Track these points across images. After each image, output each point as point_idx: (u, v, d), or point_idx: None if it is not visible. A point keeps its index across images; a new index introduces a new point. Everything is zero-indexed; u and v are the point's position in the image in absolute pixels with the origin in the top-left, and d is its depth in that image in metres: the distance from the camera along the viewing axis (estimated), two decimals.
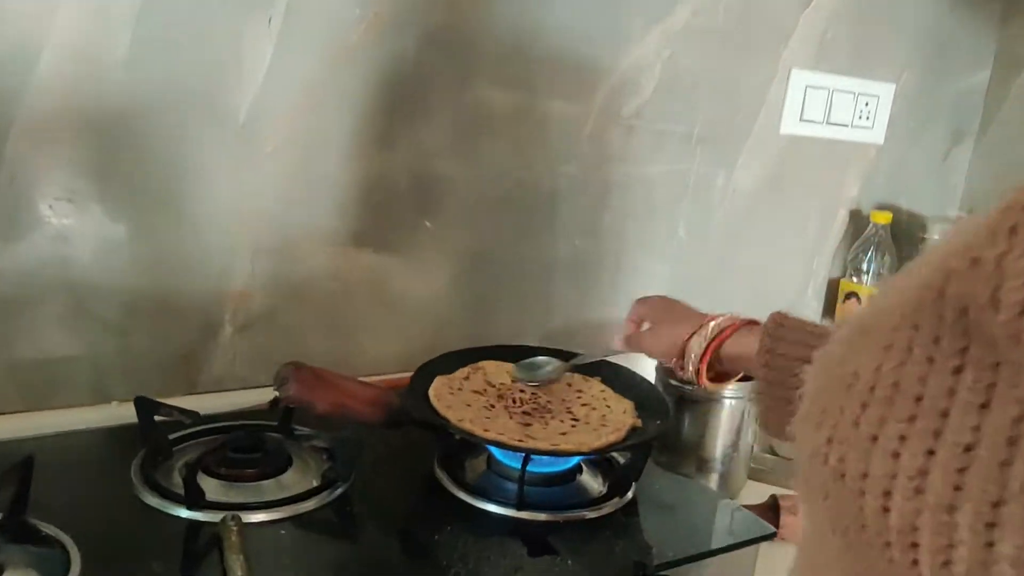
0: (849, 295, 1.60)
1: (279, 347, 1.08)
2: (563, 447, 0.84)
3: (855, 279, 1.61)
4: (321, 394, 0.73)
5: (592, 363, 1.01)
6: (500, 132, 1.21)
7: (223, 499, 0.80)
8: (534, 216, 1.28)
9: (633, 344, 0.92)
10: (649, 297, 0.95)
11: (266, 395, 0.97)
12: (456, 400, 0.92)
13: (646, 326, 0.92)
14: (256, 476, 0.84)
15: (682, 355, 0.84)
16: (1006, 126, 1.74)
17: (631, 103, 1.30)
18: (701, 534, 0.84)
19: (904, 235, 1.61)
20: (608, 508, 0.86)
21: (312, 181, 1.09)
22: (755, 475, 1.16)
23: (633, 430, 0.91)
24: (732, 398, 1.08)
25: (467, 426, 0.85)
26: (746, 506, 1.02)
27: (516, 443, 0.83)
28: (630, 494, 0.90)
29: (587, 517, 0.85)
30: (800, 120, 1.50)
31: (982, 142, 1.77)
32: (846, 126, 1.56)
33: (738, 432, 1.10)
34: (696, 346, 0.83)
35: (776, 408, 0.74)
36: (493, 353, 1.05)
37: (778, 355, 0.74)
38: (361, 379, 0.77)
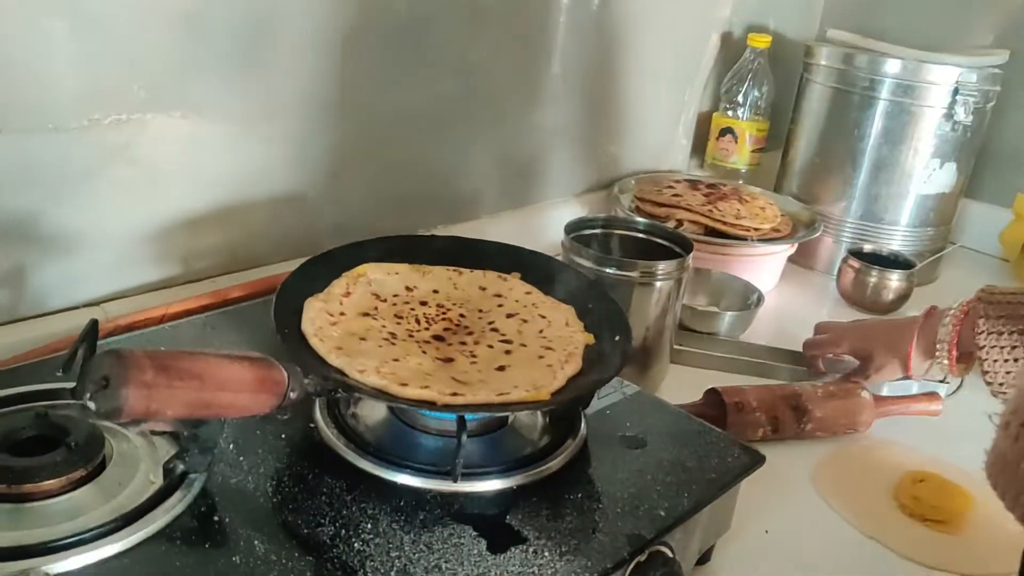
0: (724, 131, 1.44)
1: None
2: (514, 397, 0.61)
3: (730, 112, 1.44)
4: (171, 395, 0.45)
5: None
6: None
7: (3, 544, 0.51)
8: (391, 53, 0.97)
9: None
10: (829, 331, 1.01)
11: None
12: (344, 334, 0.65)
13: (846, 358, 0.99)
14: (58, 489, 0.55)
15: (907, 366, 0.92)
16: None
17: None
18: (687, 474, 0.66)
19: (780, 62, 1.46)
20: (564, 456, 0.66)
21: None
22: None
23: (587, 351, 0.69)
24: (663, 279, 0.89)
25: (374, 380, 0.60)
26: (684, 406, 0.86)
27: (450, 399, 0.59)
28: (582, 427, 0.69)
29: (543, 474, 0.64)
30: None
31: None
32: None
33: (664, 315, 0.92)
34: (941, 345, 0.87)
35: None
36: (373, 249, 0.78)
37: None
38: (230, 353, 0.49)
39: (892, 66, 1.26)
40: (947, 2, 1.52)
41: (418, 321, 0.70)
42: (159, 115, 0.81)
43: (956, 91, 1.24)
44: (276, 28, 0.86)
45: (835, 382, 0.93)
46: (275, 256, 0.95)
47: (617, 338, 0.70)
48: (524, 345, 0.69)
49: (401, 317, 0.70)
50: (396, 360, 0.63)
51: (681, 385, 0.95)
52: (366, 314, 0.69)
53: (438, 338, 0.69)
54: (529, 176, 1.23)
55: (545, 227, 1.18)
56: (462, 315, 0.73)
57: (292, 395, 0.53)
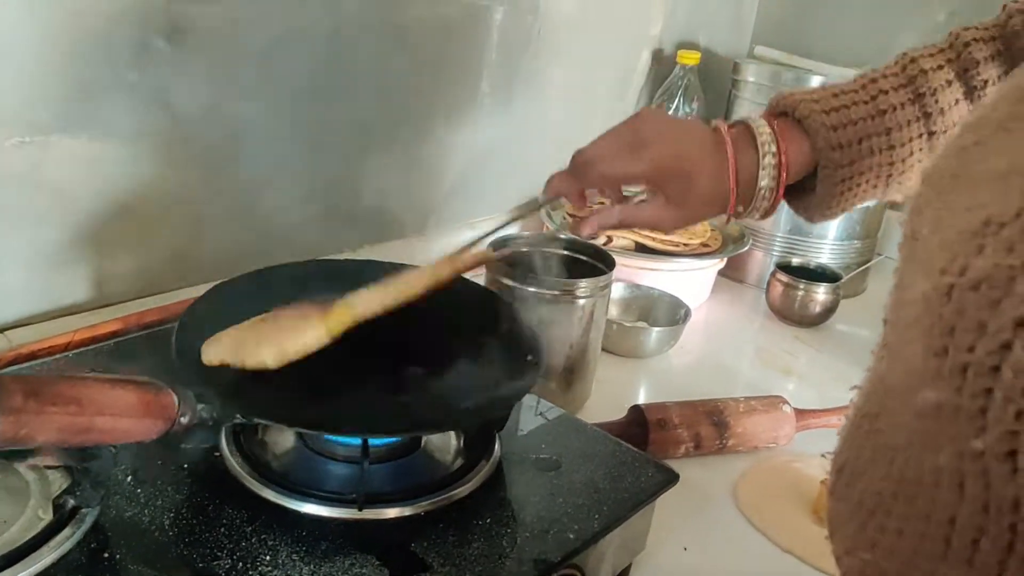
0: None
1: None
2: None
3: None
4: (43, 421, 0.43)
5: None
6: None
7: None
8: (309, 71, 0.96)
9: (635, 219, 0.70)
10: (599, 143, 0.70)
11: None
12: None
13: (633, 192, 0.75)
14: None
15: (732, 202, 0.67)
16: None
17: None
18: (599, 495, 0.65)
19: (711, 78, 1.48)
20: (474, 480, 0.65)
21: None
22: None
23: (501, 371, 0.69)
24: (585, 297, 0.89)
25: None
26: (602, 424, 0.86)
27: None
28: (496, 450, 0.69)
29: (453, 499, 0.63)
30: None
31: None
32: None
33: (587, 333, 0.92)
34: (766, 182, 0.66)
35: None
36: (284, 274, 0.77)
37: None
38: (113, 377, 0.47)
39: (817, 83, 1.28)
40: (874, 20, 1.56)
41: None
42: (64, 137, 0.79)
43: None
44: (189, 46, 0.85)
45: (757, 397, 0.94)
46: (194, 278, 0.93)
47: (529, 357, 0.69)
48: None
49: None
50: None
51: (607, 402, 0.95)
52: None
53: None
54: (458, 194, 1.22)
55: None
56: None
57: (183, 420, 0.51)
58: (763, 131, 0.66)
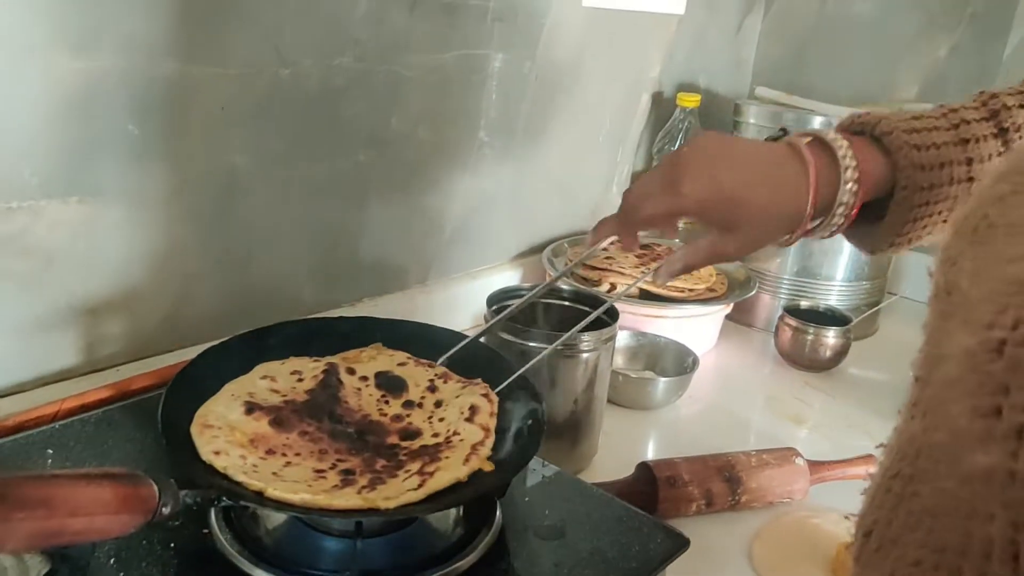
0: None
1: None
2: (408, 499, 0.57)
3: None
4: (10, 528, 0.40)
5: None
6: (249, 17, 0.85)
7: None
8: (303, 125, 0.95)
9: (697, 257, 0.68)
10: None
11: None
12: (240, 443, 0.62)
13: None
14: None
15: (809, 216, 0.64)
16: None
17: None
18: (606, 564, 0.62)
19: (712, 119, 1.46)
20: (475, 553, 0.62)
21: None
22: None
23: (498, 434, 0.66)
24: (588, 351, 0.86)
25: (259, 485, 0.56)
26: (610, 483, 0.83)
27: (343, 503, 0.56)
28: (498, 518, 0.66)
29: (453, 574, 0.60)
30: None
31: (771, 10, 1.65)
32: None
33: (592, 387, 0.89)
34: (846, 198, 0.63)
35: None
36: (274, 335, 0.75)
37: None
38: (85, 472, 0.45)
39: (819, 123, 1.27)
40: (874, 58, 1.55)
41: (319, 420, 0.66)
42: (53, 201, 0.77)
43: None
44: (179, 106, 0.84)
45: (768, 450, 0.90)
46: (187, 340, 0.91)
47: (530, 422, 0.67)
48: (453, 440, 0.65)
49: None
50: (289, 463, 0.60)
51: (614, 458, 0.92)
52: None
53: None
54: (459, 243, 1.20)
55: (478, 294, 1.15)
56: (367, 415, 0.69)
57: (164, 510, 0.49)
58: (840, 145, 0.63)
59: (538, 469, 0.73)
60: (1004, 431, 0.23)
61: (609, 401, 0.96)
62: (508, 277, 1.26)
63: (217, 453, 0.59)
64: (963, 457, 0.24)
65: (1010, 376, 0.23)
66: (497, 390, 0.70)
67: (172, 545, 0.60)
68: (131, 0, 0.77)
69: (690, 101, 1.40)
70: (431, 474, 0.60)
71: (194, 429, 0.61)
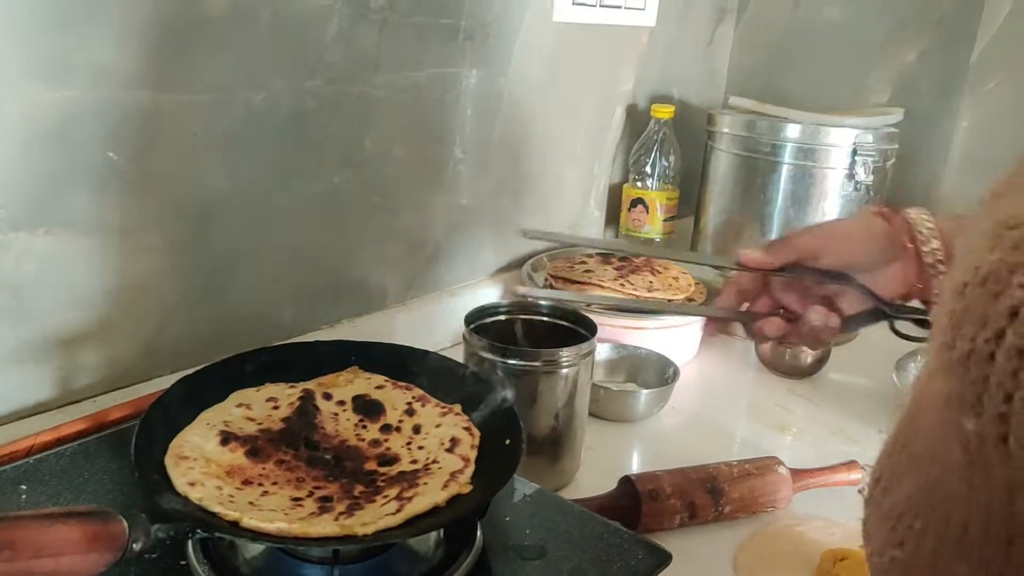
0: (635, 202, 1.44)
1: None
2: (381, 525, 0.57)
3: (639, 183, 1.45)
4: None
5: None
6: (219, 43, 0.85)
7: None
8: (277, 148, 0.95)
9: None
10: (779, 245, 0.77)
11: None
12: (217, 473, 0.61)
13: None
14: None
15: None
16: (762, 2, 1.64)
17: None
18: None
19: (686, 130, 1.47)
20: (457, 574, 0.62)
21: None
22: None
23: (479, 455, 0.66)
24: (568, 366, 0.86)
25: (235, 515, 0.55)
26: (592, 499, 0.83)
27: (319, 530, 0.55)
28: (478, 538, 0.65)
29: None
30: (573, 3, 1.27)
31: (742, 20, 1.66)
32: (619, 8, 1.36)
33: (572, 402, 0.89)
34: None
35: None
36: (250, 362, 0.74)
37: None
38: (52, 512, 0.44)
39: (792, 131, 1.28)
40: (845, 65, 1.56)
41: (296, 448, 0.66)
42: (22, 233, 0.77)
43: (855, 152, 1.26)
44: (152, 134, 0.83)
45: (750, 460, 0.91)
46: (165, 368, 0.90)
47: (508, 442, 0.67)
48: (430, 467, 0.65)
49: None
50: (266, 493, 0.59)
51: (597, 472, 0.92)
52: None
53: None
54: (438, 260, 1.20)
55: (458, 311, 1.15)
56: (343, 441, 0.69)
57: (135, 546, 0.48)
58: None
59: (519, 488, 0.73)
60: (957, 359, 0.26)
61: (591, 415, 0.96)
62: (488, 293, 1.26)
63: (192, 484, 0.58)
64: (932, 386, 0.28)
65: (964, 314, 0.26)
66: (478, 423, 0.70)
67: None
68: (102, 30, 0.77)
69: (664, 112, 1.41)
70: (409, 499, 0.59)
71: (168, 460, 0.61)
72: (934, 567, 0.29)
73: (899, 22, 1.49)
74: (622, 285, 1.20)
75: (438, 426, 0.69)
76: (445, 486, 0.61)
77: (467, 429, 0.69)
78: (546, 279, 1.26)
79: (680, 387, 1.09)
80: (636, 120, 1.48)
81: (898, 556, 0.31)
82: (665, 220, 1.44)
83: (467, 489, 0.62)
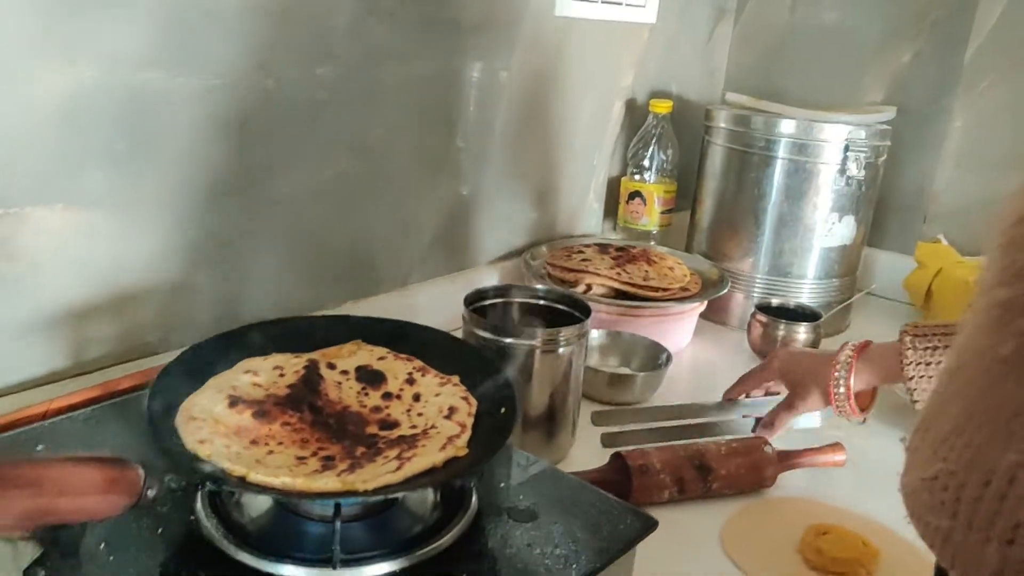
0: (633, 195, 1.47)
1: None
2: (390, 479, 0.60)
3: (637, 176, 1.48)
4: (6, 505, 0.43)
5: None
6: (228, 28, 0.89)
7: None
8: (287, 134, 0.98)
9: (787, 419, 0.98)
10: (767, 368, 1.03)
11: None
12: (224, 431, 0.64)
13: (775, 388, 1.05)
14: None
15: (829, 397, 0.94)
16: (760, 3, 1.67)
17: None
18: (576, 544, 0.65)
19: (685, 125, 1.50)
20: (451, 535, 0.65)
21: None
22: None
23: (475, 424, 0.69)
24: (564, 345, 0.89)
25: (241, 470, 0.59)
26: (585, 472, 0.86)
27: (321, 485, 0.58)
28: (473, 502, 0.69)
29: (430, 554, 0.63)
30: None
31: (740, 19, 1.69)
32: (620, 4, 1.39)
33: (567, 381, 0.92)
34: (838, 384, 0.93)
35: None
36: (244, 340, 0.77)
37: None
38: (75, 456, 0.47)
39: (786, 126, 1.31)
40: (840, 65, 1.59)
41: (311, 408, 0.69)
42: (39, 208, 0.80)
43: (847, 148, 1.29)
44: (163, 117, 0.86)
45: (738, 439, 0.94)
46: (174, 343, 0.93)
47: (503, 410, 0.70)
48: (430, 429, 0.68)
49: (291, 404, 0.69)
50: (272, 452, 0.62)
51: (591, 450, 0.95)
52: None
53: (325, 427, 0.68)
54: (439, 247, 1.24)
55: (457, 297, 1.18)
56: (347, 406, 0.72)
57: (150, 493, 0.51)
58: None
59: (514, 457, 0.76)
60: (1016, 271, 0.33)
61: (586, 397, 0.99)
62: (487, 280, 1.29)
63: (202, 442, 0.61)
64: (990, 295, 0.34)
65: (1021, 238, 0.32)
66: (476, 395, 0.73)
67: (160, 531, 0.62)
68: (115, 12, 0.80)
69: (662, 107, 1.44)
70: (408, 459, 0.62)
71: (179, 420, 0.64)
72: (977, 467, 0.33)
73: (894, 24, 1.52)
74: (618, 274, 1.23)
75: (437, 395, 0.72)
76: (443, 448, 0.64)
77: (465, 398, 0.72)
78: (543, 267, 1.29)
79: (673, 374, 1.12)
80: (635, 114, 1.51)
81: (943, 467, 0.35)
82: (663, 213, 1.47)
83: (463, 452, 0.65)
